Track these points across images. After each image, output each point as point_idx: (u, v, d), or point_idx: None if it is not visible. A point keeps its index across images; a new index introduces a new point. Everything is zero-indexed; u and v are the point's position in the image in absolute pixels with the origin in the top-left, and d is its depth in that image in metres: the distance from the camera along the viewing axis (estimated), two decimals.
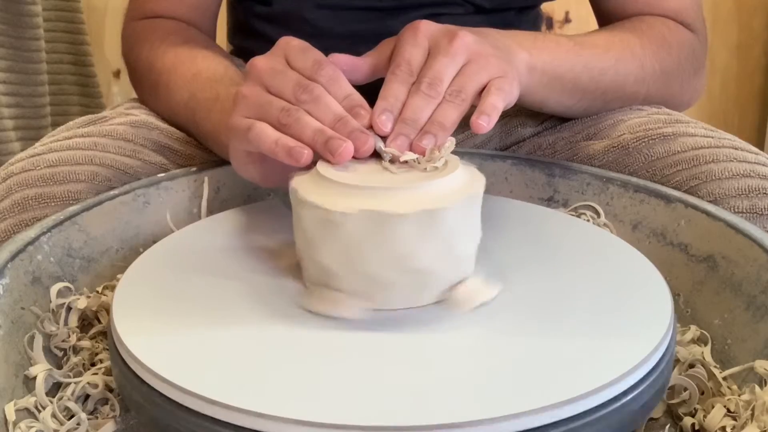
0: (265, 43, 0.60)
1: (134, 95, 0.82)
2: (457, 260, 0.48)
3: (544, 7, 1.05)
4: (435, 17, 0.60)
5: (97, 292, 0.57)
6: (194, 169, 0.68)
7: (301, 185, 0.48)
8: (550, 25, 1.51)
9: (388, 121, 0.51)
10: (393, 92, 0.53)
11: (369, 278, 0.46)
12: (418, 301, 0.47)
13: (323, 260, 0.47)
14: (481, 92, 0.54)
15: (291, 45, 0.55)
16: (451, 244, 0.46)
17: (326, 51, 0.56)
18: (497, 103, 0.53)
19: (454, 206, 0.45)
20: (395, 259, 0.45)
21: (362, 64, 0.58)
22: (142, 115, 0.72)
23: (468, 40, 0.55)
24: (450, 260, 0.47)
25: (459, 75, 0.55)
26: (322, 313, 0.46)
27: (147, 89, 0.77)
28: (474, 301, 0.47)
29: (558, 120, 0.75)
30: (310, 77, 0.53)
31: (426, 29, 0.56)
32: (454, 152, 0.51)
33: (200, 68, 0.70)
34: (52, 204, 0.61)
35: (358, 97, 0.53)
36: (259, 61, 0.54)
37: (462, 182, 0.48)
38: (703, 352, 0.53)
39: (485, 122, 0.52)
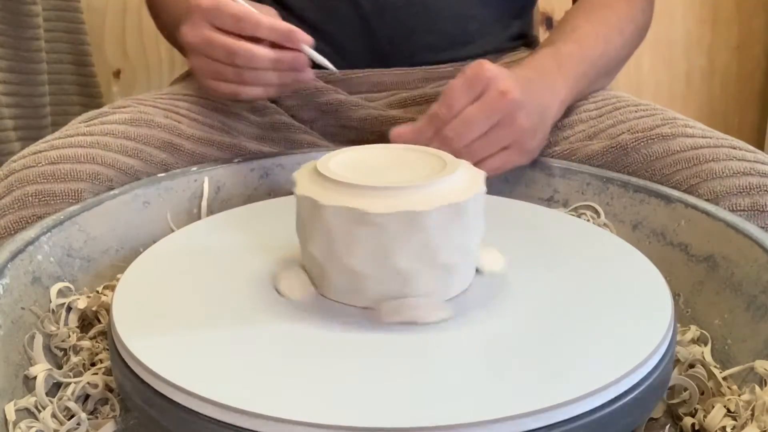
0: None
1: (134, 95, 0.82)
2: (439, 268, 0.47)
3: (543, 6, 1.05)
4: None
5: (97, 292, 0.57)
6: (194, 169, 0.68)
7: (299, 181, 0.48)
8: (550, 25, 1.50)
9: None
10: (420, 131, 0.63)
11: (352, 273, 0.46)
12: (355, 302, 0.48)
13: (312, 251, 0.47)
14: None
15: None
16: (431, 249, 0.46)
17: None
18: (492, 169, 0.60)
19: (433, 211, 0.45)
20: (376, 257, 0.45)
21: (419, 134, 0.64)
22: (141, 108, 0.72)
23: (516, 100, 0.62)
24: (430, 266, 0.46)
25: (484, 137, 0.63)
26: (282, 294, 0.48)
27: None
28: (396, 316, 0.46)
29: (558, 120, 0.75)
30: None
31: (484, 75, 0.63)
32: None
33: None
34: (53, 201, 0.61)
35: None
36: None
37: (453, 188, 0.47)
38: (703, 352, 0.53)
39: None
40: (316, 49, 0.67)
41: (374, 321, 0.46)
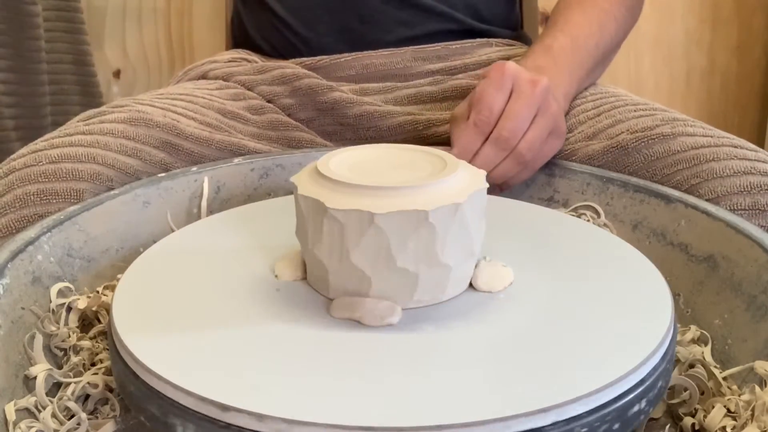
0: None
1: (134, 95, 0.82)
2: (439, 266, 0.47)
3: (543, 6, 1.05)
4: None
5: (97, 292, 0.57)
6: (194, 169, 0.68)
7: (300, 182, 0.48)
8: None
9: None
10: (469, 142, 0.63)
11: (356, 273, 0.46)
12: (441, 297, 0.48)
13: (315, 252, 0.47)
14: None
15: None
16: (434, 248, 0.46)
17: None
18: (546, 157, 0.67)
19: (432, 211, 0.45)
20: (379, 257, 0.45)
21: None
22: (140, 107, 0.72)
23: (546, 85, 0.64)
24: (432, 265, 0.46)
25: (533, 128, 0.63)
26: (368, 324, 0.46)
27: None
28: (502, 281, 0.49)
29: None
30: None
31: (509, 72, 0.64)
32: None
33: None
34: (54, 201, 0.61)
35: None
36: None
37: (454, 188, 0.47)
38: (703, 352, 0.53)
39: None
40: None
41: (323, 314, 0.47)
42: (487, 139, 0.63)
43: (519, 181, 0.67)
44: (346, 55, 0.85)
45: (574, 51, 0.75)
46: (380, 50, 0.85)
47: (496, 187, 0.67)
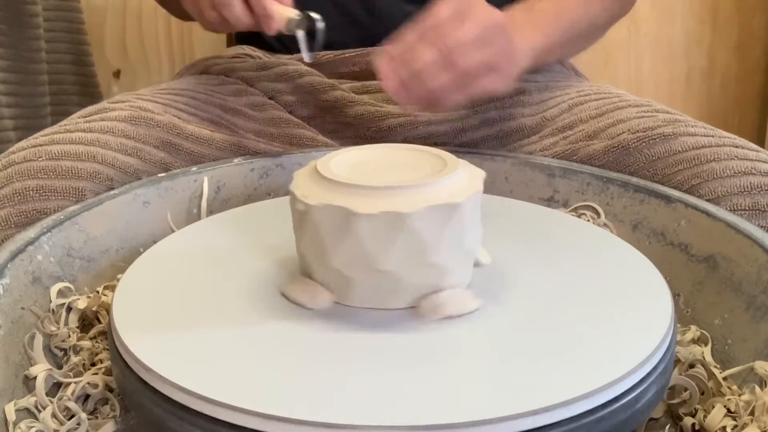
0: None
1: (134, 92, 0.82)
2: (429, 268, 0.46)
3: None
4: None
5: (97, 292, 0.57)
6: (194, 169, 0.68)
7: (299, 180, 0.48)
8: None
9: (387, 60, 0.61)
10: (409, 41, 0.61)
11: (335, 273, 0.46)
12: (387, 304, 0.47)
13: (302, 250, 0.48)
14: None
15: None
16: (419, 251, 0.45)
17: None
18: (482, 90, 0.63)
19: (419, 211, 0.44)
20: (359, 257, 0.45)
21: None
22: (140, 103, 0.72)
23: (500, 19, 0.63)
24: (419, 267, 0.46)
25: (477, 48, 0.61)
26: (293, 301, 0.48)
27: None
28: (441, 312, 0.46)
29: (558, 120, 0.75)
30: None
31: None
32: (453, 152, 0.51)
33: None
34: (53, 198, 0.61)
35: None
36: None
37: (452, 188, 0.47)
38: (703, 352, 0.53)
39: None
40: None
41: (374, 321, 0.46)
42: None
43: (449, 102, 0.63)
44: (351, 51, 0.85)
45: (555, 16, 0.75)
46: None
47: (423, 102, 0.64)
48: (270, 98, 0.81)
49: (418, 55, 0.60)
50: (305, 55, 0.71)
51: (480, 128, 0.78)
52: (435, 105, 0.64)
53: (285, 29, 0.69)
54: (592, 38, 0.85)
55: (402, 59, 0.60)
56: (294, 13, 0.69)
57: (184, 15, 0.81)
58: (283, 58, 0.87)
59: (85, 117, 0.70)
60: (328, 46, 0.86)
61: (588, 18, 0.80)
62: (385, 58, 0.61)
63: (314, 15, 0.70)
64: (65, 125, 0.68)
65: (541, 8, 0.75)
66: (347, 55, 0.86)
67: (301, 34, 0.69)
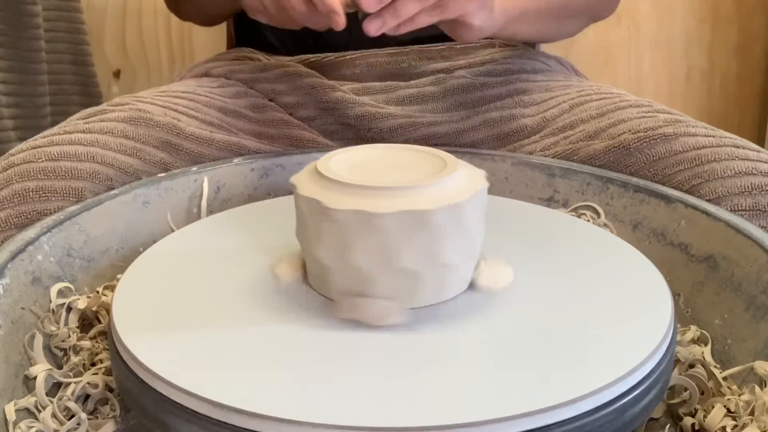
0: None
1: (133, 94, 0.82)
2: (441, 268, 0.47)
3: None
4: None
5: (97, 292, 0.57)
6: (194, 169, 0.68)
7: (300, 183, 0.48)
8: None
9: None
10: None
11: (360, 274, 0.46)
12: (444, 296, 0.48)
13: (315, 253, 0.47)
14: None
15: None
16: (436, 249, 0.46)
17: None
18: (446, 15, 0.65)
19: (436, 210, 0.45)
20: (381, 257, 0.45)
21: None
22: (140, 105, 0.72)
23: None
24: (434, 267, 0.46)
25: None
26: (371, 323, 0.46)
27: None
28: (502, 280, 0.49)
29: (558, 120, 0.75)
30: None
31: None
32: (453, 152, 0.52)
33: None
34: (53, 198, 0.61)
35: None
36: None
37: (454, 188, 0.47)
38: (703, 352, 0.53)
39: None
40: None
41: (327, 313, 0.46)
42: None
43: (421, 20, 0.66)
44: (352, 52, 0.85)
45: None
46: (386, 48, 0.86)
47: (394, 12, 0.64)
48: (270, 100, 0.81)
49: None
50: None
51: (481, 129, 0.78)
52: (403, 24, 0.65)
53: (346, 8, 0.64)
54: (565, 24, 0.85)
55: None
56: None
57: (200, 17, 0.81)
58: (284, 59, 0.88)
59: (85, 118, 0.70)
60: (331, 47, 0.86)
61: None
62: None
63: None
64: (64, 127, 0.69)
65: None
66: (348, 57, 0.86)
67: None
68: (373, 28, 0.64)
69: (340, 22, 0.63)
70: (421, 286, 0.47)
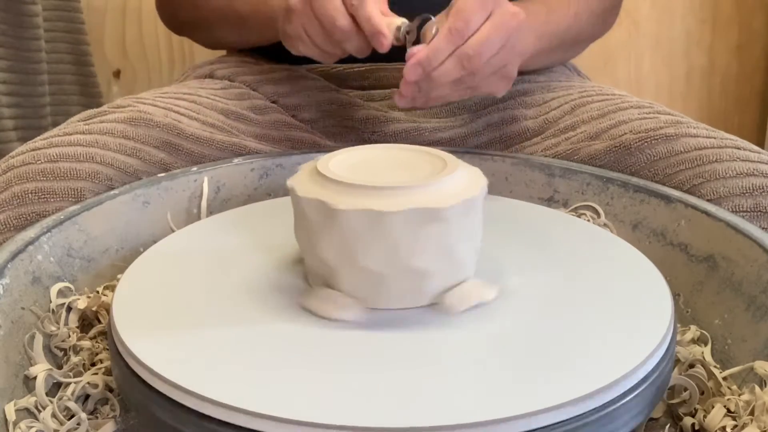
0: None
1: (133, 94, 0.82)
2: (455, 262, 0.47)
3: None
4: None
5: (97, 292, 0.57)
6: (194, 169, 0.68)
7: (300, 183, 0.48)
8: None
9: (415, 73, 0.61)
10: (440, 49, 0.61)
11: (365, 275, 0.46)
12: (414, 302, 0.47)
13: (321, 254, 0.47)
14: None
15: None
16: (448, 245, 0.46)
17: None
18: (485, 93, 0.67)
19: (451, 207, 0.45)
20: (390, 256, 0.45)
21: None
22: (141, 106, 0.72)
23: (524, 21, 0.64)
24: (447, 262, 0.47)
25: (495, 57, 0.63)
26: (320, 315, 0.47)
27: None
28: (466, 302, 0.47)
29: (560, 122, 0.75)
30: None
31: None
32: (453, 152, 0.52)
33: None
34: (52, 199, 0.61)
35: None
36: None
37: (462, 185, 0.48)
38: (703, 352, 0.53)
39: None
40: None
41: (375, 320, 0.46)
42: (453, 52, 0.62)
43: (446, 99, 0.67)
44: (360, 64, 0.84)
45: (545, 21, 0.76)
46: (394, 63, 0.84)
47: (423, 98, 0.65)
48: (273, 102, 0.81)
49: (448, 73, 0.62)
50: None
51: (484, 132, 0.78)
52: (431, 101, 0.66)
53: (395, 41, 0.64)
54: (573, 51, 0.85)
55: (427, 63, 0.61)
56: (399, 21, 0.64)
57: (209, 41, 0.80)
58: (286, 65, 0.87)
59: (85, 120, 0.70)
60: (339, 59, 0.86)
61: (576, 28, 0.80)
62: (413, 65, 0.61)
63: (424, 16, 0.64)
64: (64, 128, 0.69)
65: (534, 10, 0.74)
66: (356, 69, 0.85)
67: (411, 39, 0.63)
68: (402, 104, 0.65)
69: (385, 44, 0.63)
70: (430, 284, 0.47)
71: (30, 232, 0.56)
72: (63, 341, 0.53)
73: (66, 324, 0.54)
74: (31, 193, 0.61)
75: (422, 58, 0.61)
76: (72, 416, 0.48)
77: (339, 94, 0.81)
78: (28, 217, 0.60)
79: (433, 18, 0.63)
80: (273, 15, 0.73)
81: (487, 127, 0.78)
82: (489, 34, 0.62)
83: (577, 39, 0.83)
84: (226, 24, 0.85)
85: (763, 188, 0.61)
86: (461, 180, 0.48)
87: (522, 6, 0.73)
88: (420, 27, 0.63)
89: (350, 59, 0.84)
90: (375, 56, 0.72)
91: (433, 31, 0.62)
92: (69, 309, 0.55)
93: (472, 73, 0.62)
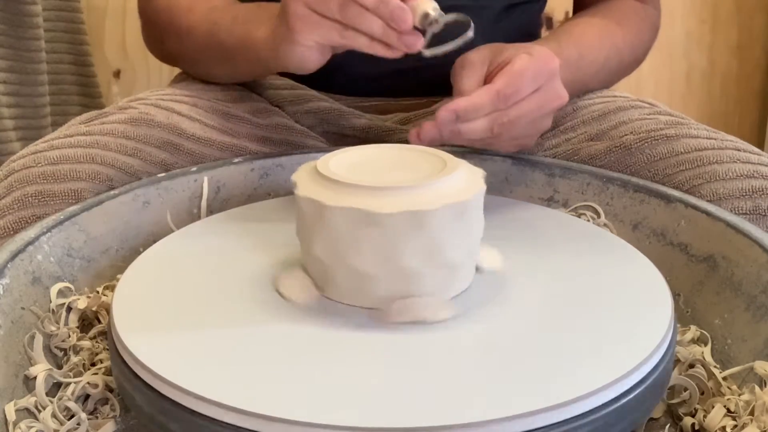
0: None
1: (134, 95, 0.82)
2: (445, 265, 0.47)
3: (546, 9, 1.04)
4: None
5: (97, 292, 0.57)
6: (194, 169, 0.68)
7: (300, 179, 0.48)
8: (549, 26, 1.50)
9: (447, 119, 0.58)
10: (482, 105, 0.59)
11: (353, 273, 0.46)
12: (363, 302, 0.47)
13: (315, 253, 0.47)
14: None
15: None
16: (435, 247, 0.46)
17: None
18: (507, 150, 0.67)
19: (438, 210, 0.45)
20: (376, 255, 0.45)
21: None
22: (142, 108, 0.72)
23: (564, 104, 0.64)
24: (436, 264, 0.46)
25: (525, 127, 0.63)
26: (286, 297, 0.48)
27: (171, 33, 0.79)
28: (406, 315, 0.46)
29: (561, 122, 0.75)
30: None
31: (549, 69, 0.62)
32: (454, 152, 0.52)
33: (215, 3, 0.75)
34: (53, 202, 0.61)
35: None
36: None
37: (458, 187, 0.47)
38: (703, 352, 0.53)
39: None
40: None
41: (375, 321, 0.46)
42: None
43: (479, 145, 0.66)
44: (365, 99, 0.84)
45: (576, 69, 0.73)
46: (400, 99, 0.84)
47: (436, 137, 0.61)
48: (275, 105, 0.81)
49: (479, 129, 0.60)
50: (426, 51, 0.58)
51: None
52: (445, 144, 0.63)
53: (419, 24, 0.57)
54: (601, 88, 0.82)
55: (463, 114, 0.59)
56: (431, 7, 0.56)
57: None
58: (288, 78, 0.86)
59: (86, 122, 0.70)
60: (346, 92, 0.83)
61: (604, 72, 0.78)
62: (448, 111, 0.58)
63: (461, 18, 0.58)
64: (65, 130, 0.69)
65: (567, 57, 0.71)
66: (359, 104, 0.83)
67: (434, 30, 0.57)
68: (417, 142, 0.60)
69: (408, 21, 0.56)
70: (425, 285, 0.47)
71: (30, 232, 0.56)
72: (63, 341, 0.53)
73: (66, 324, 0.54)
74: (32, 196, 0.61)
75: (460, 108, 0.59)
76: (72, 416, 0.48)
77: (340, 104, 0.81)
78: (29, 220, 0.60)
79: (471, 30, 0.58)
80: (257, 50, 0.68)
81: None
82: (531, 110, 0.62)
83: (606, 82, 0.81)
84: (212, 57, 0.77)
85: (762, 190, 0.61)
86: (457, 182, 0.47)
87: (559, 49, 0.69)
88: (453, 27, 0.57)
89: (351, 90, 0.83)
90: (382, 64, 0.62)
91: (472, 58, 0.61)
92: (69, 309, 0.55)
93: (497, 136, 0.61)
